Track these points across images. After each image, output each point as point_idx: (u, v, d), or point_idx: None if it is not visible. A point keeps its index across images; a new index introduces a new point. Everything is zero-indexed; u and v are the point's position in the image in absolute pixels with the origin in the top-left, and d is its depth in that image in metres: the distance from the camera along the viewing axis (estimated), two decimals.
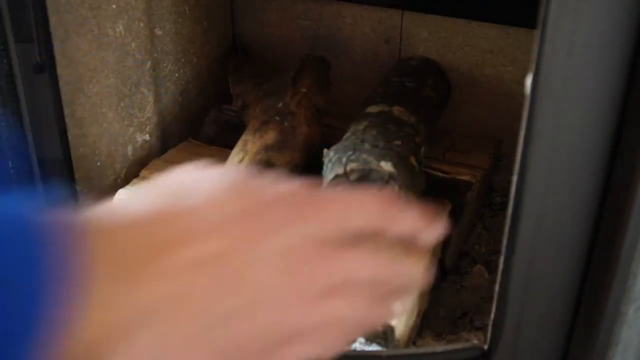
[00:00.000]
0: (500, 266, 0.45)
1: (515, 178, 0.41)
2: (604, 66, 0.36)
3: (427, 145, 0.62)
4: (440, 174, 0.68)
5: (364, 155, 0.51)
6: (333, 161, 0.53)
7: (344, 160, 0.51)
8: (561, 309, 0.45)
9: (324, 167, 0.55)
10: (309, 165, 0.64)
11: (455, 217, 0.64)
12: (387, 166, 0.50)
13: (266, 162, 0.58)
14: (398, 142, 0.56)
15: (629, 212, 0.38)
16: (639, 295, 0.41)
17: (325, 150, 0.56)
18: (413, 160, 0.56)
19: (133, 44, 0.72)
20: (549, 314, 0.45)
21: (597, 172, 0.40)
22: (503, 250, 0.44)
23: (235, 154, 0.60)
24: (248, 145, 0.60)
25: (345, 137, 0.58)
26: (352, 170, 0.50)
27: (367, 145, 0.54)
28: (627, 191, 0.38)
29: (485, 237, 0.73)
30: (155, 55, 0.76)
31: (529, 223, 0.42)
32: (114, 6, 0.68)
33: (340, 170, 0.51)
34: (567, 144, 0.38)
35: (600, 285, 0.42)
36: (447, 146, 0.74)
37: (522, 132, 0.39)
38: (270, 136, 0.61)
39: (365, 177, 0.51)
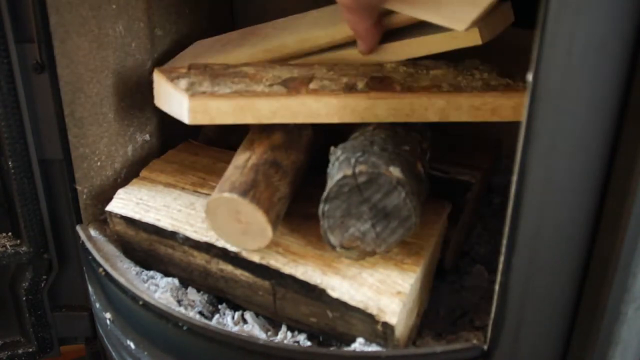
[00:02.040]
0: (500, 266, 0.45)
1: (515, 178, 0.41)
2: (604, 66, 0.36)
3: (431, 151, 0.63)
4: (440, 174, 0.68)
5: (373, 159, 0.51)
6: (340, 160, 0.53)
7: (352, 161, 0.51)
8: (561, 309, 0.45)
9: (330, 165, 0.55)
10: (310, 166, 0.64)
11: (455, 217, 0.64)
12: (395, 171, 0.50)
13: (273, 162, 0.58)
14: (406, 148, 0.56)
15: (628, 212, 0.38)
16: (639, 295, 0.41)
17: (332, 148, 0.56)
18: (420, 166, 0.56)
19: (133, 44, 0.72)
20: (549, 313, 0.45)
21: (597, 172, 0.40)
22: (503, 250, 0.44)
23: (242, 153, 0.60)
24: (255, 145, 0.60)
25: (353, 136, 0.58)
26: (360, 173, 0.50)
27: (376, 148, 0.53)
28: (627, 191, 0.38)
29: (485, 237, 0.74)
30: (155, 55, 0.76)
31: (529, 223, 0.42)
32: (114, 6, 0.68)
33: (349, 172, 0.51)
34: (567, 143, 0.38)
35: (600, 285, 0.42)
36: (447, 146, 0.74)
37: (522, 132, 0.39)
38: (277, 136, 0.61)
39: (373, 181, 0.50)
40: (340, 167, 0.52)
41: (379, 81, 0.60)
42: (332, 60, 0.67)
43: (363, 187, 0.51)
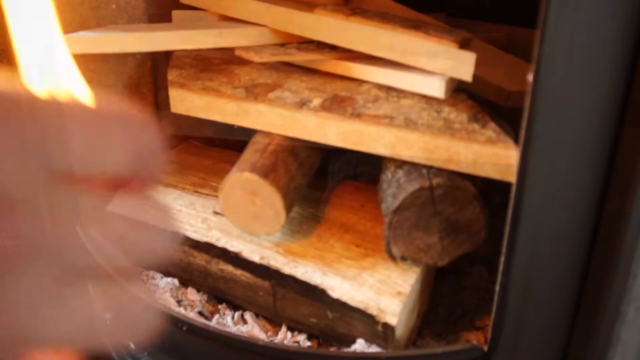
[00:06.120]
0: (500, 266, 0.45)
1: (515, 178, 0.41)
2: (604, 66, 0.36)
3: None
4: None
5: (447, 171, 0.51)
6: (406, 170, 0.53)
7: (424, 172, 0.51)
8: (561, 309, 0.45)
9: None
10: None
11: None
12: (470, 185, 0.50)
13: (292, 151, 0.58)
14: None
15: (629, 212, 0.38)
16: (639, 295, 0.41)
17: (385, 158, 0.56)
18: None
19: None
20: (549, 314, 0.45)
21: (597, 172, 0.40)
22: (503, 250, 0.44)
23: (260, 138, 0.60)
24: (273, 134, 0.60)
25: None
26: (438, 185, 0.50)
27: None
28: (627, 191, 0.38)
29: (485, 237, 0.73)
30: (155, 55, 0.76)
31: (529, 223, 0.42)
32: (113, 6, 0.68)
33: (426, 184, 0.50)
34: (567, 143, 0.38)
35: (600, 285, 0.42)
36: None
37: (522, 132, 0.39)
38: None
39: (449, 194, 0.50)
40: (409, 177, 0.51)
41: (339, 100, 0.57)
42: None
43: (438, 199, 0.49)
